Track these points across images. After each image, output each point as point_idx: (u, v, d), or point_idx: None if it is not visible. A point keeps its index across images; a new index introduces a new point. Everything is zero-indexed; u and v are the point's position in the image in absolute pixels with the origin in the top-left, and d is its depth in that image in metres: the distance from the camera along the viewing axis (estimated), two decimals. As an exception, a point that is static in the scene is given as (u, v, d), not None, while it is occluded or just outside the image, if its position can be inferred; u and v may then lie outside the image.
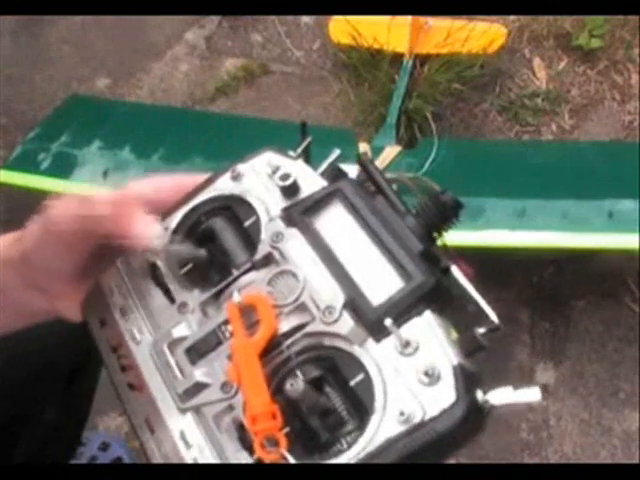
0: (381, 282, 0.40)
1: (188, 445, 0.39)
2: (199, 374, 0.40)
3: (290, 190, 0.44)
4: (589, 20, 1.71)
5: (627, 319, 1.44)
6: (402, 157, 1.41)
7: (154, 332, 0.43)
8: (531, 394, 0.42)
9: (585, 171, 1.39)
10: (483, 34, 1.66)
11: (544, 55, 1.75)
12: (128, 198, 0.46)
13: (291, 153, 0.47)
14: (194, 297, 0.43)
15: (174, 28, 1.91)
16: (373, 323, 0.38)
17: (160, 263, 0.45)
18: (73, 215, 0.45)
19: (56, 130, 1.56)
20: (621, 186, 1.32)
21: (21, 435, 0.73)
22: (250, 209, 0.45)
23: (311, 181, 0.45)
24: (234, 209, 0.46)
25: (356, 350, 0.38)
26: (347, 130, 1.63)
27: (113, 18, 1.88)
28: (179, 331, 0.42)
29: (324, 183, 0.45)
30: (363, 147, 1.41)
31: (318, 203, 0.43)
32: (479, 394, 0.38)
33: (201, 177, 0.49)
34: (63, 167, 1.48)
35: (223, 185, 0.47)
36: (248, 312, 0.40)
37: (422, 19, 1.68)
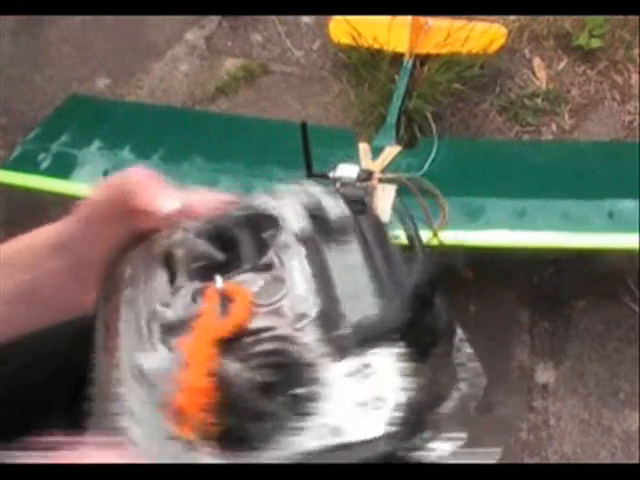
0: (361, 307, 0.41)
1: (128, 412, 0.40)
2: (162, 348, 0.41)
3: (315, 212, 0.47)
4: (589, 20, 1.71)
5: (627, 319, 1.44)
6: (402, 157, 1.41)
7: (144, 306, 0.45)
8: (485, 456, 0.42)
9: (585, 171, 1.39)
10: (483, 34, 1.66)
11: (544, 55, 1.75)
12: (155, 178, 0.49)
13: (330, 186, 0.50)
14: (191, 285, 0.44)
15: (174, 28, 1.91)
16: (337, 340, 0.39)
17: (176, 252, 0.47)
18: (108, 191, 0.49)
19: (56, 130, 1.56)
20: (621, 186, 1.32)
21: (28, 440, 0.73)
22: (273, 223, 0.47)
23: (339, 210, 0.47)
24: (260, 221, 0.48)
25: (315, 362, 0.38)
26: (347, 130, 1.63)
27: (113, 18, 1.88)
28: (164, 309, 0.43)
29: (348, 213, 0.47)
30: (363, 147, 1.41)
31: (333, 228, 0.45)
32: (418, 439, 0.38)
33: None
34: (63, 167, 1.48)
35: (257, 200, 0.50)
36: (227, 303, 0.41)
37: (422, 19, 1.68)
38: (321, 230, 0.45)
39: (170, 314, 0.43)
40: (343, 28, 1.73)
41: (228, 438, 0.38)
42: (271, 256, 0.44)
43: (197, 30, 1.91)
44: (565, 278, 1.49)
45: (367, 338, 0.39)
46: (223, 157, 1.47)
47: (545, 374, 1.40)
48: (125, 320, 0.44)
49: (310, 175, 1.31)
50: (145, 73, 1.86)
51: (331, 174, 1.27)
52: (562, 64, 1.74)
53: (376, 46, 1.67)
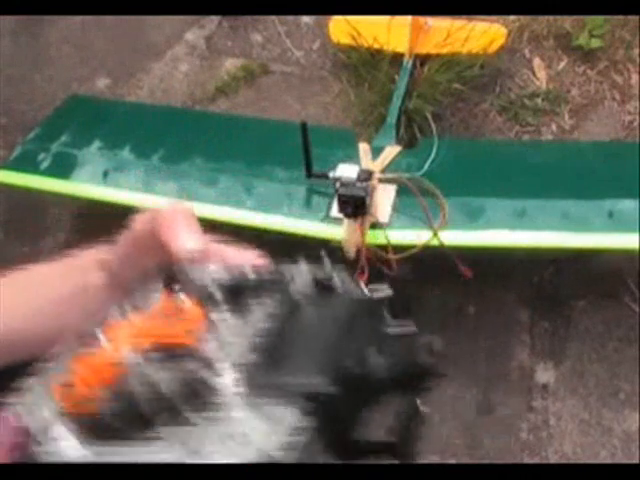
0: (293, 365, 0.41)
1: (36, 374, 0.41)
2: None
3: (322, 288, 0.47)
4: (589, 20, 1.71)
5: (627, 319, 1.44)
6: (402, 157, 1.41)
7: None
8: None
9: (585, 171, 1.39)
10: (483, 34, 1.66)
11: (544, 55, 1.75)
12: (189, 214, 0.50)
13: (366, 291, 0.49)
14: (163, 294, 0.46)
15: (174, 28, 1.91)
16: (252, 384, 0.39)
17: (180, 277, 0.48)
18: (144, 218, 0.50)
19: (56, 130, 1.56)
20: (621, 186, 1.32)
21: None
22: (279, 282, 0.47)
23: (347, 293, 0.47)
24: (269, 284, 0.49)
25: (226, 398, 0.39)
26: (347, 130, 1.63)
27: (113, 18, 1.88)
28: (132, 303, 0.45)
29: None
30: (363, 147, 1.41)
31: (319, 297, 0.45)
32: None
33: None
34: (63, 167, 1.48)
35: (281, 267, 0.50)
36: (179, 316, 0.42)
37: (422, 19, 1.68)
38: (313, 299, 0.45)
39: (131, 304, 0.44)
40: (343, 28, 1.73)
41: (103, 425, 0.38)
42: (246, 298, 0.45)
43: (197, 30, 1.91)
44: (565, 278, 1.49)
45: (276, 395, 0.39)
46: (223, 157, 1.47)
47: (545, 374, 1.40)
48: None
49: (310, 175, 1.32)
50: (145, 73, 1.86)
51: (331, 174, 1.27)
52: (562, 64, 1.74)
53: (376, 46, 1.67)
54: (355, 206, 1.25)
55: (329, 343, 0.42)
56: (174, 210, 0.50)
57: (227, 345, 0.41)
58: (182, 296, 0.43)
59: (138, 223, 0.51)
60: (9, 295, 0.54)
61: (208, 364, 0.40)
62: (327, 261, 0.50)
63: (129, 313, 0.43)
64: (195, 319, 0.42)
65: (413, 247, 1.25)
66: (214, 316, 0.43)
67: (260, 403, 0.38)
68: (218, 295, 0.46)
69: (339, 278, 0.47)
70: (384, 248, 1.26)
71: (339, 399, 0.39)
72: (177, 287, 0.45)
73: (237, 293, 0.48)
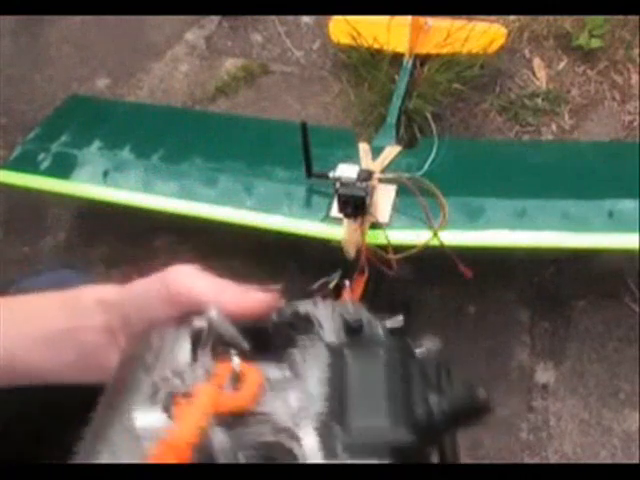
0: (367, 423, 0.40)
1: (110, 452, 0.40)
2: (160, 411, 0.41)
3: (353, 330, 0.47)
4: (589, 20, 1.71)
5: (627, 319, 1.44)
6: (402, 157, 1.41)
7: (158, 371, 0.45)
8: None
9: (585, 171, 1.38)
10: (483, 34, 1.66)
11: (544, 55, 1.75)
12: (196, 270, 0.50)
13: (380, 319, 0.50)
14: (210, 362, 0.45)
15: (174, 28, 1.91)
16: (332, 447, 0.39)
17: (205, 332, 0.48)
18: (183, 288, 0.49)
19: (56, 130, 1.56)
20: (621, 186, 1.31)
21: (41, 455, 0.74)
22: (309, 327, 0.48)
23: (375, 335, 0.48)
24: (298, 325, 0.49)
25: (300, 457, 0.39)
26: (347, 130, 1.63)
27: (113, 18, 1.88)
28: (175, 378, 0.44)
29: (382, 334, 0.48)
30: (363, 147, 1.41)
31: (363, 346, 0.46)
32: None
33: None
34: (63, 167, 1.48)
35: (302, 304, 0.51)
36: (237, 382, 0.41)
37: (422, 19, 1.68)
38: (353, 343, 0.46)
39: (179, 383, 0.43)
40: (343, 28, 1.73)
41: None
42: (294, 352, 0.45)
43: (197, 30, 1.91)
44: (565, 278, 1.49)
45: (361, 453, 0.39)
46: (223, 157, 1.47)
47: (545, 374, 1.40)
48: (135, 379, 0.45)
49: (310, 175, 1.31)
50: (145, 73, 1.86)
51: (331, 174, 1.27)
52: (562, 64, 1.74)
53: (376, 46, 1.67)
54: (355, 206, 1.25)
55: (394, 392, 0.41)
56: (197, 274, 0.50)
57: (295, 404, 0.41)
58: (235, 359, 0.42)
59: (140, 293, 0.50)
60: (10, 322, 0.54)
61: (282, 428, 0.39)
62: (349, 301, 0.51)
63: (187, 387, 0.42)
64: (253, 381, 0.41)
65: (413, 247, 1.25)
66: (269, 374, 0.42)
67: (342, 460, 0.38)
68: (248, 346, 0.46)
69: (364, 317, 0.47)
70: (384, 248, 1.26)
71: (414, 446, 0.39)
72: (226, 350, 0.44)
73: (267, 341, 0.48)
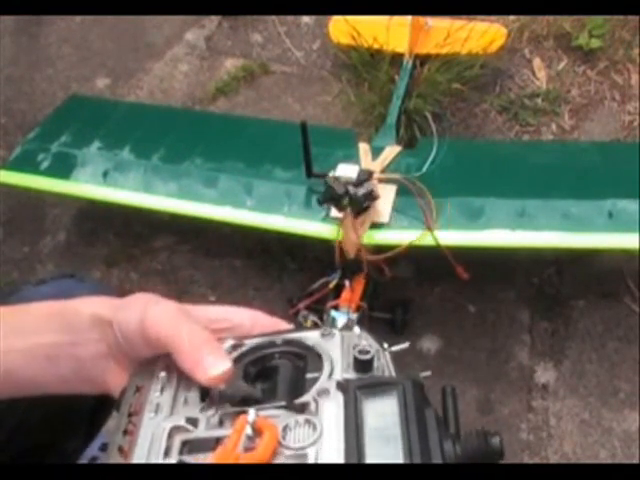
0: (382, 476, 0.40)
1: None
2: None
3: (363, 366, 0.46)
4: (589, 20, 1.71)
5: (627, 319, 1.44)
6: (402, 157, 1.41)
7: (170, 417, 0.44)
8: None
9: (585, 171, 1.38)
10: (483, 34, 1.66)
11: (544, 55, 1.75)
12: (207, 334, 0.48)
13: (386, 345, 0.49)
14: (222, 406, 0.45)
15: (174, 28, 1.91)
16: None
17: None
18: (160, 329, 0.48)
19: (56, 130, 1.56)
20: (621, 186, 1.31)
21: (45, 462, 0.74)
22: (320, 365, 0.47)
23: (386, 369, 0.47)
24: (307, 359, 0.48)
25: None
26: (347, 130, 1.63)
27: (113, 18, 1.88)
28: (189, 426, 0.43)
29: (394, 374, 0.47)
30: (363, 147, 1.41)
31: (376, 386, 0.44)
32: None
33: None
34: (63, 167, 1.48)
35: (309, 336, 0.50)
36: (254, 436, 0.41)
37: (422, 19, 1.68)
38: (366, 383, 0.45)
39: (194, 432, 0.43)
40: (343, 28, 1.73)
41: None
42: (309, 398, 0.44)
43: (197, 30, 1.91)
44: (565, 278, 1.49)
45: None
46: (223, 157, 1.47)
47: (545, 374, 1.40)
48: (147, 426, 0.44)
49: (310, 175, 1.31)
50: (145, 73, 1.86)
51: (331, 174, 1.27)
52: (562, 64, 1.74)
53: (376, 46, 1.67)
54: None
55: (410, 443, 0.41)
56: (172, 319, 0.48)
57: (314, 455, 0.40)
58: (251, 413, 0.41)
59: (151, 326, 0.48)
60: (9, 335, 0.54)
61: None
62: (356, 330, 0.50)
63: (202, 434, 0.42)
64: (270, 438, 0.40)
65: (413, 247, 1.25)
66: (284, 423, 0.41)
67: None
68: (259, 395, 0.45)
69: (373, 348, 0.46)
70: (384, 248, 1.26)
71: None
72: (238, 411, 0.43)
73: (274, 374, 0.47)
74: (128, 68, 1.87)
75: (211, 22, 1.91)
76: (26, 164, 1.50)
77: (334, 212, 1.29)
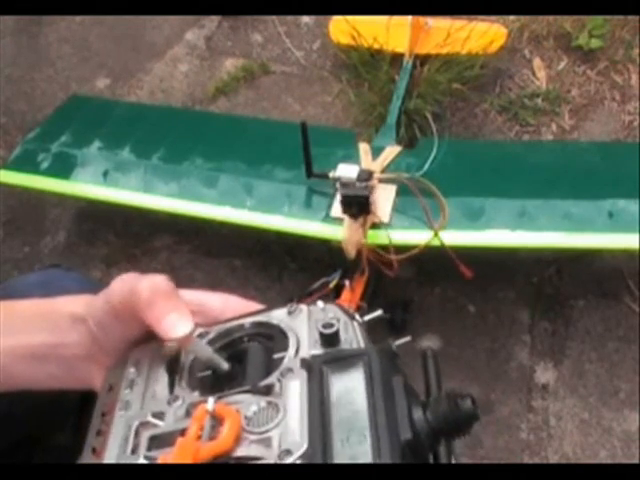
0: (351, 452, 0.39)
1: None
2: (144, 460, 0.41)
3: (329, 340, 0.45)
4: (589, 20, 1.71)
5: (627, 319, 1.44)
6: (402, 157, 1.41)
7: (138, 413, 0.44)
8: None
9: (585, 171, 1.38)
10: (483, 34, 1.66)
11: (544, 55, 1.75)
12: (171, 290, 0.48)
13: (357, 316, 0.48)
14: (189, 396, 0.44)
15: (174, 28, 1.91)
16: None
17: (184, 357, 0.47)
18: (123, 292, 0.48)
19: (56, 130, 1.56)
20: (621, 186, 1.31)
21: (33, 456, 0.74)
22: (286, 343, 0.46)
23: (354, 341, 0.46)
24: (274, 340, 0.47)
25: None
26: (347, 130, 1.63)
27: (113, 18, 1.88)
28: (156, 421, 0.43)
29: (362, 345, 0.46)
30: (363, 147, 1.41)
31: (341, 359, 0.44)
32: None
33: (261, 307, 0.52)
34: (63, 167, 1.48)
35: (276, 315, 0.49)
36: (216, 424, 0.40)
37: (422, 19, 1.68)
38: (331, 357, 0.44)
39: (161, 426, 0.42)
40: (343, 28, 1.73)
41: None
42: (273, 380, 0.43)
43: (197, 30, 1.91)
44: (565, 278, 1.49)
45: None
46: (223, 157, 1.47)
47: (545, 374, 1.40)
48: (117, 425, 0.44)
49: (310, 175, 1.31)
50: (145, 73, 1.86)
51: (331, 174, 1.27)
52: (562, 64, 1.74)
53: (376, 46, 1.67)
54: (359, 206, 1.25)
55: (377, 416, 0.40)
56: (154, 289, 0.48)
57: (277, 446, 0.39)
58: (210, 401, 0.41)
59: (116, 295, 0.49)
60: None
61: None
62: (323, 302, 0.49)
63: (168, 428, 0.41)
64: (232, 424, 0.40)
65: (414, 248, 1.25)
66: (248, 410, 0.41)
67: None
68: (227, 368, 0.45)
69: (341, 319, 0.46)
70: (385, 248, 1.26)
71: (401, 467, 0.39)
72: (204, 379, 0.43)
73: (243, 356, 0.46)
74: (128, 68, 1.87)
75: (211, 22, 1.91)
76: (26, 164, 1.50)
77: (334, 212, 1.29)
